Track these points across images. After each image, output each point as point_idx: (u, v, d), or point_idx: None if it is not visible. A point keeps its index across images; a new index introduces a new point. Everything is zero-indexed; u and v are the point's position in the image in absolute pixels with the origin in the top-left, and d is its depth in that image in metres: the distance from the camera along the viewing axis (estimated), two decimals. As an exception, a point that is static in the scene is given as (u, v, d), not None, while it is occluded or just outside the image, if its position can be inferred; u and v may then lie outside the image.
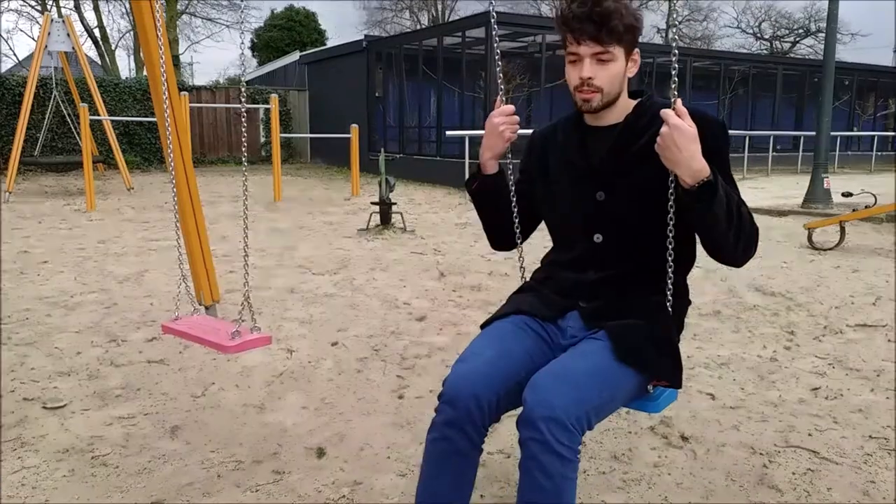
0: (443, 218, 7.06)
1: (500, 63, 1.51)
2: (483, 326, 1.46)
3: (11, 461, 1.92)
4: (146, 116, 12.27)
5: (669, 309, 1.35)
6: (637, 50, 1.33)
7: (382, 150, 7.30)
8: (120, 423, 2.18)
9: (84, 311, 3.47)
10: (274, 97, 9.12)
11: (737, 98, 16.03)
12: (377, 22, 29.21)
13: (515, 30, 11.50)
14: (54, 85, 9.97)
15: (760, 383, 2.56)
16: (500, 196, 1.50)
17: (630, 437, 2.10)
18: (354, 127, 9.33)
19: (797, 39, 29.97)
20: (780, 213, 7.36)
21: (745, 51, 26.77)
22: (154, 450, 2.00)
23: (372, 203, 6.34)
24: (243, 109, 1.92)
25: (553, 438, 1.13)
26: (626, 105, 1.37)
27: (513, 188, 1.49)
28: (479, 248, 5.25)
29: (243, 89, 1.81)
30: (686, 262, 1.42)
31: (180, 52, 21.28)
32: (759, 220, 5.48)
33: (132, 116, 12.57)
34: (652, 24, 30.38)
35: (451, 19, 25.60)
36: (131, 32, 22.57)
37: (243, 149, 1.95)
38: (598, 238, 1.37)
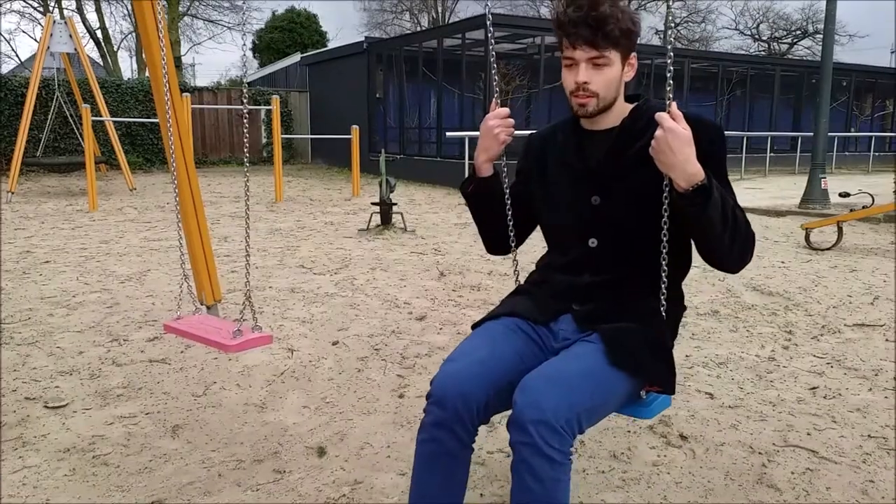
0: (443, 218, 7.07)
1: (495, 66, 1.53)
2: (474, 327, 1.45)
3: (13, 460, 1.93)
4: (148, 117, 12.29)
5: (664, 314, 1.34)
6: (634, 54, 1.32)
7: (383, 150, 7.32)
8: (121, 423, 2.19)
9: (86, 310, 3.49)
10: (275, 98, 9.14)
11: (735, 99, 16.05)
12: (378, 24, 29.26)
13: (514, 31, 11.52)
14: (57, 86, 9.99)
15: (759, 383, 2.57)
16: (494, 199, 1.49)
17: (629, 436, 2.11)
18: (355, 128, 9.34)
19: (795, 41, 29.99)
20: (778, 214, 7.37)
21: (742, 52, 26.82)
22: (155, 449, 2.01)
23: (372, 203, 6.35)
24: (245, 111, 1.93)
25: (543, 442, 1.12)
26: (622, 109, 1.36)
27: (508, 191, 1.49)
28: (478, 248, 5.26)
29: (245, 90, 1.82)
30: (681, 267, 1.41)
31: (182, 53, 21.31)
32: (756, 220, 5.45)
33: (134, 117, 12.59)
34: (650, 26, 30.46)
35: (450, 21, 25.63)
36: (133, 34, 22.62)
37: (245, 149, 1.97)
38: (593, 242, 1.37)
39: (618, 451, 2.00)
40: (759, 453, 2.00)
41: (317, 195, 9.34)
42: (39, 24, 20.66)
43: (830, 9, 7.76)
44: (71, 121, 10.53)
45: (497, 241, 1.56)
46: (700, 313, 3.50)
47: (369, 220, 6.20)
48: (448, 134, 10.41)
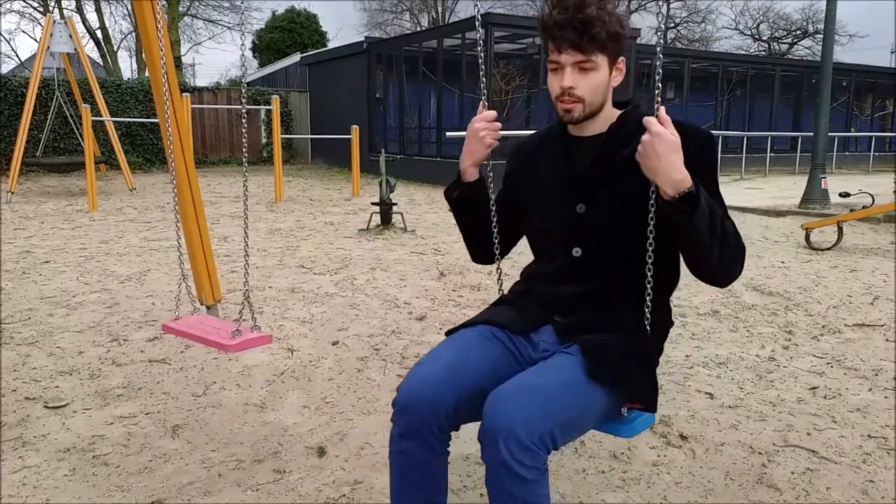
0: (443, 218, 7.07)
1: (483, 67, 1.46)
2: (448, 334, 1.39)
3: (13, 460, 1.93)
4: (148, 117, 12.29)
5: (648, 327, 1.28)
6: (622, 58, 1.28)
7: (383, 150, 7.32)
8: (121, 423, 2.19)
9: (86, 310, 3.49)
10: (275, 98, 9.14)
11: (735, 99, 16.06)
12: (378, 24, 29.25)
13: (514, 31, 11.53)
14: (56, 86, 9.99)
15: (759, 383, 2.57)
16: (479, 205, 1.44)
17: (629, 436, 2.11)
18: (355, 128, 9.35)
19: (795, 41, 30.00)
20: (778, 214, 7.37)
21: (743, 52, 26.82)
22: (155, 449, 2.01)
23: (372, 203, 6.35)
24: (243, 110, 1.93)
25: (512, 458, 1.06)
26: (610, 115, 1.32)
27: (493, 196, 1.43)
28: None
29: (243, 90, 1.82)
30: (669, 281, 1.36)
31: (182, 53, 21.31)
32: (756, 220, 5.45)
33: (134, 117, 12.60)
34: (650, 26, 30.45)
35: (450, 21, 25.62)
36: (133, 34, 22.62)
37: (244, 149, 1.97)
38: (577, 252, 1.32)
39: (618, 451, 2.00)
40: (760, 453, 2.00)
41: (317, 195, 9.34)
42: (39, 24, 20.67)
43: (830, 9, 7.76)
44: (71, 121, 10.53)
45: (482, 249, 1.50)
46: (700, 313, 3.50)
47: (369, 220, 6.20)
48: (448, 134, 10.40)
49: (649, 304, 1.27)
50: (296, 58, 16.99)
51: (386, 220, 6.15)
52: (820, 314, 3.52)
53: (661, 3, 1.45)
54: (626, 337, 1.26)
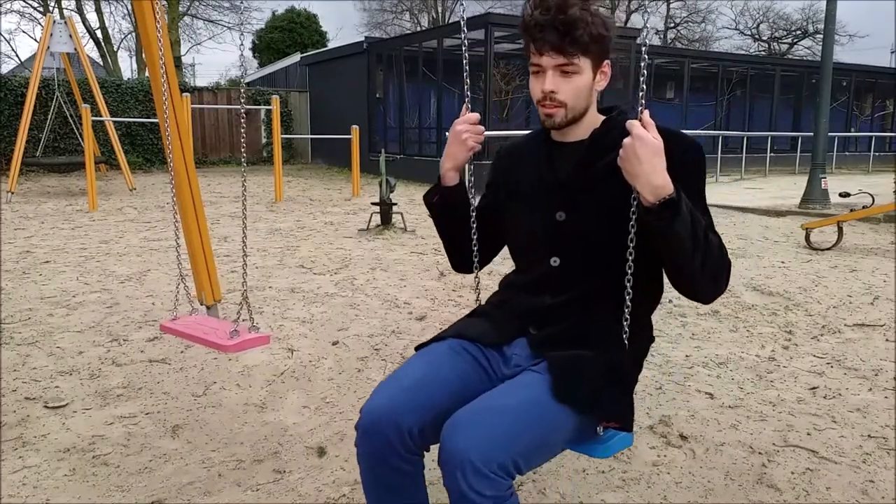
0: (443, 219, 7.07)
1: (467, 68, 1.42)
2: (418, 349, 1.33)
3: (13, 460, 1.93)
4: (148, 117, 12.29)
5: (626, 342, 1.22)
6: (608, 62, 1.23)
7: (383, 150, 7.32)
8: (121, 423, 2.19)
9: (86, 310, 3.49)
10: (275, 98, 9.14)
11: (735, 99, 16.06)
12: (378, 24, 29.25)
13: (514, 31, 11.51)
14: (56, 86, 9.99)
15: (759, 383, 2.57)
16: (459, 210, 1.38)
17: (629, 436, 2.11)
18: (355, 128, 9.35)
19: (795, 41, 30.01)
20: (778, 214, 7.37)
21: (743, 52, 26.83)
22: (155, 449, 2.01)
23: (372, 203, 6.35)
24: (242, 110, 1.93)
25: (469, 489, 1.00)
26: (594, 120, 1.27)
27: (474, 201, 1.38)
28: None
29: (242, 91, 1.82)
30: (651, 295, 1.30)
31: (182, 53, 21.31)
32: (756, 220, 5.45)
33: (134, 117, 12.59)
34: (650, 26, 30.41)
35: (450, 21, 25.63)
36: (133, 34, 22.62)
37: (242, 149, 1.97)
38: (555, 261, 1.26)
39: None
40: (759, 453, 2.00)
41: (317, 195, 9.34)
42: (39, 24, 20.67)
43: (830, 9, 7.76)
44: (71, 121, 10.53)
45: (463, 258, 1.43)
46: (700, 313, 3.50)
47: (369, 220, 6.20)
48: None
49: (628, 316, 1.21)
50: (296, 58, 16.99)
51: (386, 220, 6.15)
52: (820, 314, 3.52)
53: (646, 4, 1.40)
54: (602, 352, 1.20)
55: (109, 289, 3.95)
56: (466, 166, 1.39)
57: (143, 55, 3.19)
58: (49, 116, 10.35)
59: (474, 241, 1.39)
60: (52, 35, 8.82)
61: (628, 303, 1.20)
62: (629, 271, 1.19)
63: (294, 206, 8.04)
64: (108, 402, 2.35)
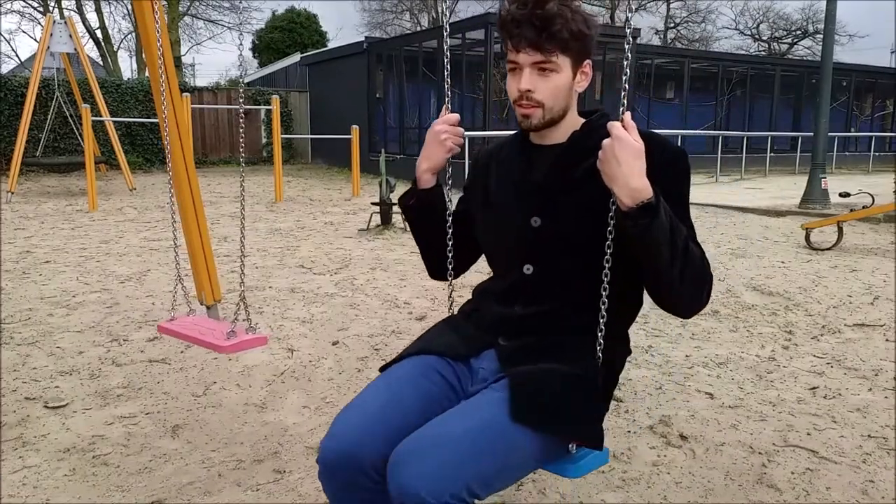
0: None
1: (448, 67, 1.38)
2: (382, 370, 1.26)
3: (13, 460, 1.93)
4: (148, 117, 12.29)
5: (600, 354, 1.16)
6: (589, 62, 1.17)
7: (383, 150, 7.32)
8: (121, 423, 2.19)
9: (86, 310, 3.49)
10: (275, 98, 9.14)
11: (735, 99, 16.06)
12: (378, 24, 29.25)
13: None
14: (56, 86, 9.99)
15: (759, 382, 2.57)
16: (436, 214, 1.33)
17: (629, 436, 2.11)
18: (355, 128, 9.35)
19: (795, 41, 30.01)
20: (778, 214, 7.37)
21: (743, 52, 26.83)
22: (155, 449, 2.01)
23: (372, 203, 6.35)
24: (241, 110, 1.94)
25: None
26: (574, 123, 1.21)
27: (451, 205, 1.33)
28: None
29: (241, 91, 1.82)
30: (629, 306, 1.25)
31: (182, 53, 21.31)
32: (756, 220, 5.44)
33: (134, 117, 12.60)
34: (650, 26, 30.46)
35: (451, 21, 25.62)
36: (133, 34, 22.62)
37: (241, 149, 1.97)
38: (528, 269, 1.20)
39: (618, 451, 2.00)
40: (759, 453, 2.00)
41: (317, 195, 9.34)
42: (39, 24, 20.67)
43: (830, 9, 7.77)
44: (71, 121, 10.53)
45: (440, 264, 1.36)
46: (700, 313, 3.49)
47: (369, 220, 6.20)
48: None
49: (603, 328, 1.15)
50: (296, 58, 17.00)
51: (386, 220, 6.15)
52: (820, 314, 3.52)
53: (630, 3, 1.36)
54: (573, 366, 1.14)
55: (109, 289, 3.95)
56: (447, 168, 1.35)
57: (143, 55, 3.19)
58: (49, 116, 10.35)
59: (449, 248, 1.33)
60: (52, 35, 8.82)
61: (604, 313, 1.14)
62: (605, 280, 1.13)
63: (294, 206, 8.04)
64: (108, 402, 2.35)
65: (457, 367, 1.23)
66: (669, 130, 12.04)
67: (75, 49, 9.18)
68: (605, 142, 1.05)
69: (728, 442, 2.07)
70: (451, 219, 1.33)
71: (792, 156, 14.36)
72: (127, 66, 30.33)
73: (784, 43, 30.36)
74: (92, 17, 20.91)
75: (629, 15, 1.13)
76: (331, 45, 21.17)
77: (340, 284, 4.10)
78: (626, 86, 1.11)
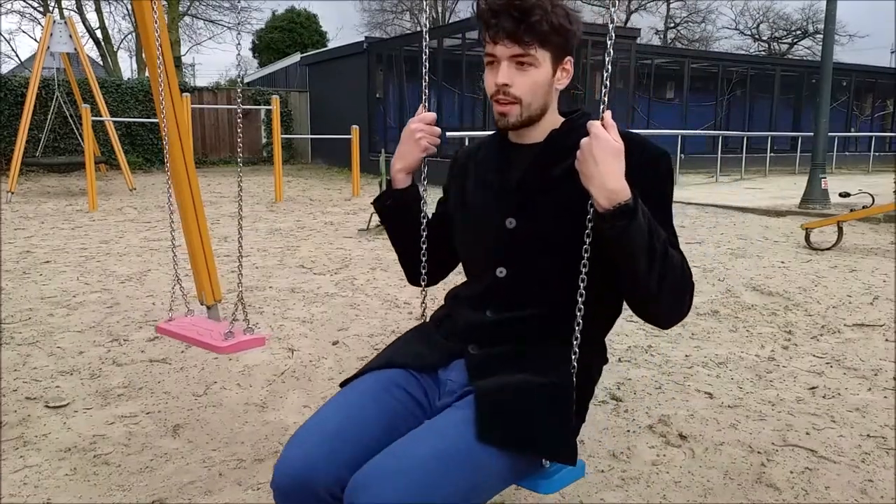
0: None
1: (426, 64, 1.33)
2: (343, 384, 1.20)
3: (14, 460, 1.93)
4: (148, 117, 12.30)
5: (575, 364, 1.09)
6: (570, 59, 1.13)
7: (383, 150, 7.33)
8: (122, 422, 2.19)
9: (86, 310, 3.49)
10: (275, 98, 9.14)
11: (735, 99, 16.07)
12: (378, 24, 29.26)
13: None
14: (56, 86, 9.99)
15: (758, 382, 2.57)
16: (410, 216, 1.27)
17: (629, 435, 2.11)
18: (355, 128, 9.35)
19: (795, 41, 30.02)
20: (778, 214, 7.37)
21: (743, 52, 26.83)
22: (156, 448, 2.02)
23: (372, 203, 6.35)
24: (239, 111, 1.94)
25: None
26: (554, 123, 1.17)
27: (425, 208, 1.27)
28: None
29: (239, 90, 1.83)
30: (606, 313, 1.19)
31: (182, 53, 21.31)
32: (757, 220, 5.44)
33: (134, 117, 12.60)
34: (650, 26, 30.46)
35: (450, 21, 25.63)
36: (133, 34, 22.63)
37: (238, 149, 1.97)
38: (501, 272, 1.14)
39: (617, 451, 2.00)
40: (759, 453, 2.00)
41: (317, 195, 9.35)
42: (39, 24, 20.68)
43: (830, 9, 7.77)
44: (71, 121, 10.53)
45: (417, 269, 1.31)
46: (700, 313, 3.50)
47: (369, 220, 6.20)
48: (448, 134, 10.41)
49: (579, 336, 1.08)
50: (296, 58, 17.00)
51: (386, 220, 6.15)
52: (819, 314, 3.52)
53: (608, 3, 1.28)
54: (546, 376, 1.08)
55: (110, 289, 3.95)
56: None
57: (143, 55, 3.20)
58: (49, 116, 10.35)
59: (423, 251, 1.28)
60: (52, 35, 8.82)
61: (579, 320, 1.08)
62: (582, 285, 1.07)
63: (294, 206, 8.04)
64: (108, 401, 2.35)
65: (423, 380, 1.17)
66: (669, 130, 12.04)
67: (75, 49, 9.19)
68: (584, 141, 1.01)
69: (727, 441, 2.07)
70: (425, 221, 1.28)
71: (792, 156, 14.36)
72: (127, 66, 30.36)
73: (784, 43, 30.37)
74: (92, 17, 20.94)
75: (613, 10, 1.10)
76: (331, 45, 21.17)
77: (340, 284, 4.10)
78: (607, 83, 1.07)
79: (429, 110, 1.28)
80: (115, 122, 10.76)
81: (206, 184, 10.52)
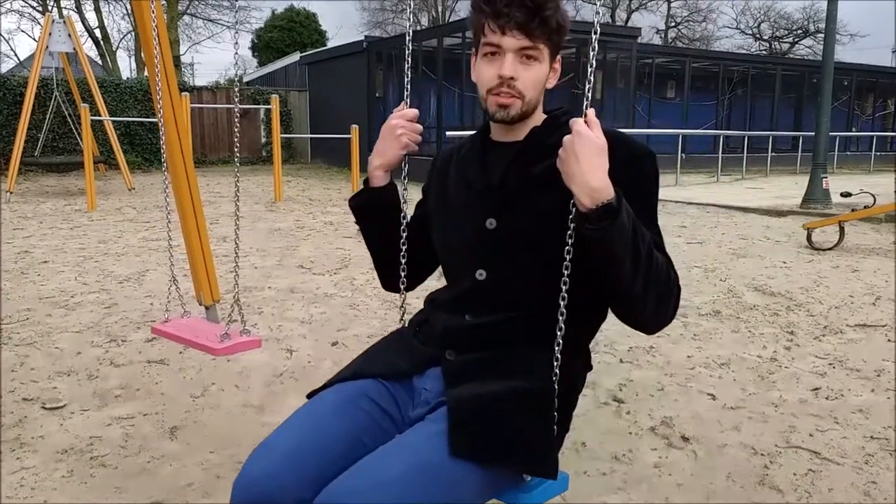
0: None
1: (409, 60, 1.32)
2: (310, 395, 1.13)
3: (10, 461, 1.91)
4: (147, 117, 12.28)
5: (557, 371, 1.04)
6: (559, 58, 1.10)
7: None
8: (119, 424, 2.17)
9: (84, 311, 3.47)
10: (275, 98, 9.13)
11: (736, 98, 16.05)
12: (377, 23, 29.25)
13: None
14: (55, 85, 9.98)
15: (761, 383, 2.56)
16: (386, 216, 1.22)
17: (631, 437, 2.10)
18: (355, 127, 9.33)
19: (796, 40, 30.02)
20: (780, 214, 7.36)
21: (744, 51, 26.83)
22: (153, 450, 2.00)
23: (372, 203, 6.34)
24: (236, 110, 1.92)
25: None
26: (537, 122, 1.14)
27: (404, 214, 1.22)
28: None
29: (236, 89, 1.81)
30: (590, 318, 1.14)
31: (181, 52, 21.30)
32: (758, 220, 5.44)
33: (133, 117, 12.58)
34: (651, 25, 30.44)
35: (450, 20, 25.61)
36: (132, 34, 22.61)
37: (236, 149, 1.96)
38: (480, 275, 1.10)
39: (619, 453, 1.99)
40: (762, 454, 1.98)
41: (316, 195, 9.33)
42: (38, 23, 20.65)
43: (831, 8, 7.76)
44: (69, 120, 10.51)
45: (393, 274, 1.24)
46: (702, 314, 3.48)
47: (369, 220, 6.18)
48: (448, 133, 10.40)
49: (561, 341, 1.03)
50: (295, 57, 16.98)
51: (386, 219, 6.14)
52: (822, 314, 3.51)
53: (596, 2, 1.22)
54: (526, 383, 1.03)
55: (108, 289, 3.94)
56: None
57: (143, 54, 3.18)
58: (48, 116, 10.33)
59: (403, 252, 1.21)
60: (50, 34, 8.80)
61: (562, 324, 1.03)
62: (564, 287, 1.02)
63: (294, 206, 8.03)
64: (106, 402, 2.34)
65: (396, 390, 1.12)
66: (670, 130, 12.03)
67: (74, 48, 9.17)
68: (566, 138, 0.97)
69: (730, 443, 2.05)
70: (405, 222, 1.22)
71: (793, 155, 14.35)
72: (126, 66, 30.33)
73: (785, 42, 30.37)
74: (91, 17, 20.91)
75: (598, 4, 1.07)
76: (330, 45, 21.16)
77: (340, 285, 4.09)
78: (591, 78, 1.02)
79: (410, 106, 1.24)
80: (113, 121, 10.75)
81: (205, 183, 10.51)
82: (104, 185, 9.95)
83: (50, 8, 19.37)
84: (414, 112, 1.22)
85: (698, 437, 2.10)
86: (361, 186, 1.25)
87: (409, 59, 1.30)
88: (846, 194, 5.62)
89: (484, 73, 1.08)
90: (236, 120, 1.93)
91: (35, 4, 20.89)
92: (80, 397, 2.38)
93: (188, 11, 22.21)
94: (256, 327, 3.14)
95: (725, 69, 15.34)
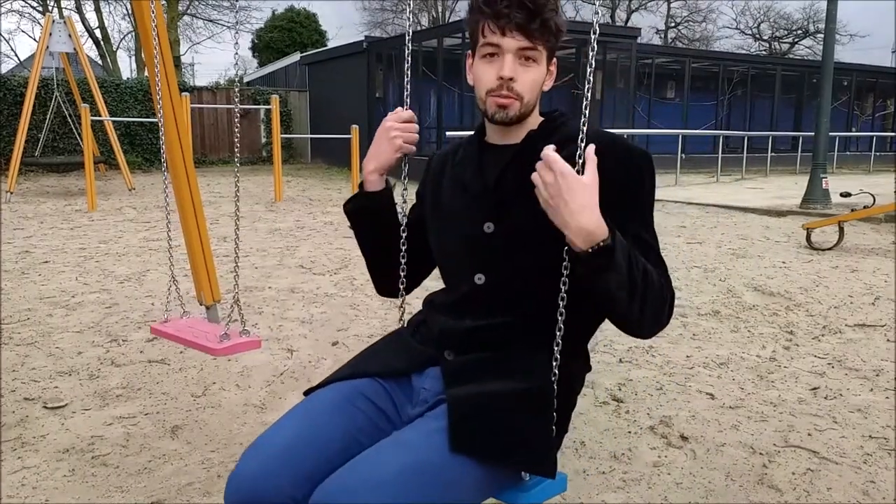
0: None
1: (409, 60, 1.33)
2: (307, 393, 1.13)
3: (12, 461, 1.92)
4: (147, 117, 12.29)
5: (556, 372, 1.04)
6: (555, 60, 1.10)
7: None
8: (120, 423, 2.18)
9: (85, 310, 3.48)
10: (275, 98, 9.13)
11: (736, 99, 16.06)
12: (377, 23, 29.25)
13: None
14: (56, 85, 9.98)
15: (760, 383, 2.56)
16: (381, 220, 1.21)
17: (630, 436, 2.10)
18: (355, 128, 9.33)
19: (796, 40, 30.02)
20: (779, 214, 7.37)
21: (743, 52, 26.83)
22: (154, 450, 2.01)
23: (372, 203, 6.34)
24: (236, 110, 1.93)
25: None
26: (534, 124, 1.13)
27: (403, 214, 1.21)
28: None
29: (236, 89, 1.82)
30: (588, 319, 1.14)
31: (181, 52, 21.30)
32: (757, 220, 5.44)
33: (133, 117, 12.59)
34: (651, 25, 30.45)
35: (450, 20, 25.62)
36: (132, 34, 22.62)
37: (236, 149, 1.96)
38: (479, 278, 1.09)
39: (618, 452, 2.00)
40: (760, 454, 1.99)
41: (316, 195, 9.34)
42: (39, 23, 20.67)
43: (831, 8, 7.76)
44: (70, 120, 10.52)
45: (388, 279, 1.24)
46: (701, 313, 3.49)
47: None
48: (448, 133, 10.41)
49: (559, 342, 1.03)
50: (295, 57, 16.99)
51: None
52: (821, 314, 3.51)
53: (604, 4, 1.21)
54: (525, 383, 1.03)
55: (109, 289, 3.94)
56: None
57: (143, 54, 3.19)
58: (48, 116, 10.34)
59: (403, 252, 1.21)
60: (51, 35, 8.81)
61: (561, 325, 1.03)
62: (564, 288, 1.02)
63: (294, 206, 8.03)
64: (107, 402, 2.34)
65: (393, 389, 1.12)
66: (670, 130, 12.03)
67: (74, 49, 9.18)
68: (548, 179, 0.93)
69: (729, 442, 2.06)
70: (404, 222, 1.21)
71: (793, 155, 14.35)
72: (126, 66, 30.34)
73: (785, 42, 30.37)
74: (91, 17, 20.92)
75: (597, 4, 1.06)
76: (330, 45, 21.16)
77: (340, 285, 4.09)
78: (590, 78, 1.00)
79: (411, 107, 1.23)
80: (114, 121, 10.75)
81: (205, 184, 10.51)
82: (104, 186, 9.96)
83: (50, 8, 19.38)
84: (409, 114, 1.21)
85: (697, 436, 2.10)
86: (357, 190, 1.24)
87: (409, 60, 1.30)
88: (846, 194, 5.62)
89: (483, 74, 1.08)
90: (236, 120, 1.93)
91: (35, 5, 20.90)
92: (81, 397, 2.38)
93: (188, 11, 22.21)
94: (257, 327, 3.15)
95: (725, 69, 15.35)
